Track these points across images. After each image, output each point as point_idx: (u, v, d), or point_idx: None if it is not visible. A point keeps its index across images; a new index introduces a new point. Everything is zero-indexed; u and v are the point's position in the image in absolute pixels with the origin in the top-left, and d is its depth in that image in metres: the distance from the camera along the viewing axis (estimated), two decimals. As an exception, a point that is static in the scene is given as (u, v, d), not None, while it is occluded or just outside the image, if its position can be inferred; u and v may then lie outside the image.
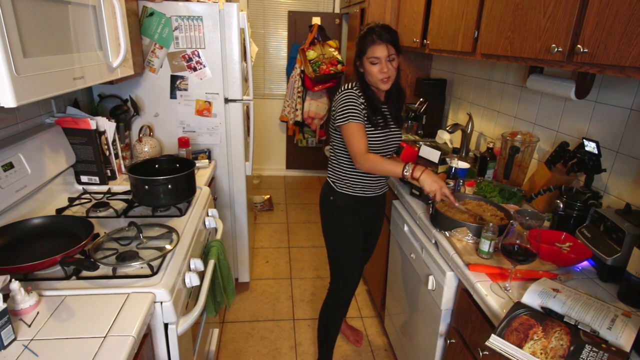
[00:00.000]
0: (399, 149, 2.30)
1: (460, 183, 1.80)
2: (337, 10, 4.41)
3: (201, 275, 1.41)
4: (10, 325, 0.91)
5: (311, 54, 4.04)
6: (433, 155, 1.69)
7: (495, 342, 0.97)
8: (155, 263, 1.21)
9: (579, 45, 1.14)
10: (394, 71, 1.60)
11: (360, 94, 1.61)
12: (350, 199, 1.75)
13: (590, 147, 1.44)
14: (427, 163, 1.71)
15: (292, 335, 2.34)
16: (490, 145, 1.99)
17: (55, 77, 1.09)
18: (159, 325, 1.15)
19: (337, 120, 1.61)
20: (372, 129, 1.63)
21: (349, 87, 1.63)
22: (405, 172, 1.50)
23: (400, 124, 1.76)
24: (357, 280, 2.08)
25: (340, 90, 1.64)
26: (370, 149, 1.63)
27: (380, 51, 1.54)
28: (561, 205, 1.43)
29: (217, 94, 2.23)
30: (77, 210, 1.57)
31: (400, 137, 1.77)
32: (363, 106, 1.59)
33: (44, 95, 1.04)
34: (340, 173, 1.74)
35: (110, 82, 1.70)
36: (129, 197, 1.68)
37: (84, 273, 1.17)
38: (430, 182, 1.48)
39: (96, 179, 1.81)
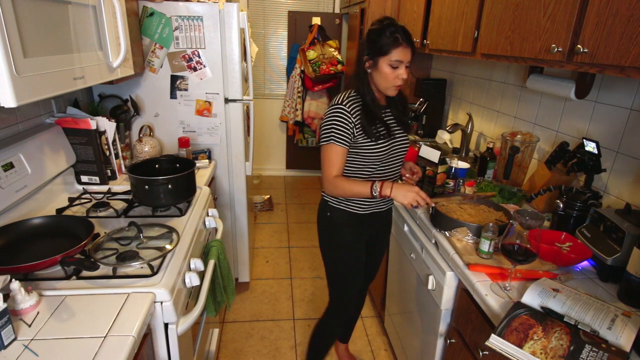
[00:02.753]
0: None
1: (460, 183, 1.80)
2: (337, 10, 4.41)
3: (201, 275, 1.41)
4: (10, 325, 0.91)
5: (311, 54, 4.04)
6: (433, 155, 1.68)
7: (495, 342, 0.97)
8: (155, 263, 1.21)
9: (579, 45, 1.14)
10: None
11: (353, 108, 1.45)
12: (348, 215, 1.60)
13: (590, 147, 1.44)
14: (427, 163, 1.71)
15: (292, 335, 2.34)
16: (490, 145, 1.99)
17: (56, 77, 1.09)
18: (159, 325, 1.15)
19: (321, 139, 1.49)
20: (371, 142, 1.47)
21: (341, 100, 1.47)
22: (374, 192, 1.42)
23: (407, 129, 1.61)
24: (359, 303, 1.97)
25: (332, 103, 1.49)
26: (374, 162, 1.50)
27: (405, 55, 1.40)
28: (561, 205, 1.43)
29: (217, 94, 2.23)
30: (77, 210, 1.57)
31: (407, 142, 1.61)
32: (353, 124, 1.44)
33: (44, 95, 1.04)
34: None
35: (111, 82, 1.70)
36: (129, 197, 1.68)
37: (84, 273, 1.17)
38: (403, 195, 1.40)
39: (96, 179, 1.81)
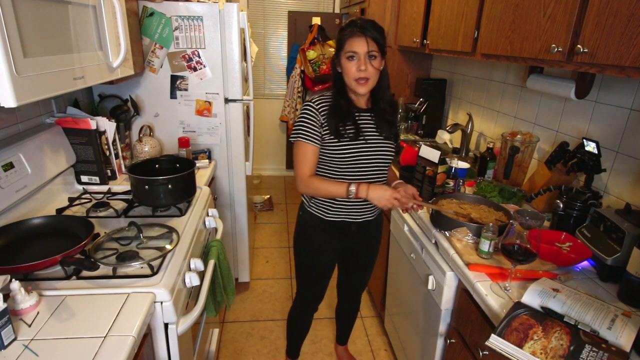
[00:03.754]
0: (399, 149, 2.30)
1: (460, 183, 1.80)
2: (337, 10, 4.41)
3: (201, 275, 1.41)
4: (10, 325, 0.91)
5: (311, 54, 4.04)
6: (433, 155, 1.68)
7: (495, 342, 0.97)
8: (155, 263, 1.21)
9: (578, 45, 1.14)
10: (374, 72, 1.39)
11: (321, 106, 1.43)
12: (317, 220, 1.57)
13: (590, 147, 1.44)
14: (427, 163, 1.71)
15: (292, 335, 2.34)
16: (490, 145, 1.99)
17: (56, 77, 1.09)
18: (159, 325, 1.15)
19: (291, 136, 1.49)
20: (335, 140, 1.43)
21: (312, 98, 1.46)
22: (350, 194, 1.40)
23: (390, 135, 1.52)
24: (348, 309, 2.00)
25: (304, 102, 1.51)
26: (341, 164, 1.45)
27: (358, 45, 1.35)
28: (561, 205, 1.43)
29: (217, 94, 2.23)
30: (77, 210, 1.57)
31: (391, 150, 1.53)
32: (320, 123, 1.42)
33: (44, 95, 1.04)
34: None
35: (111, 82, 1.70)
36: (129, 197, 1.68)
37: (84, 273, 1.17)
38: (378, 198, 1.37)
39: (96, 179, 1.81)
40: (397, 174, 2.06)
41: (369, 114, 1.51)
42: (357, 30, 1.35)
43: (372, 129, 1.49)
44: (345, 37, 1.38)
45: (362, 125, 1.47)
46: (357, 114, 1.48)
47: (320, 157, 1.48)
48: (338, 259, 1.75)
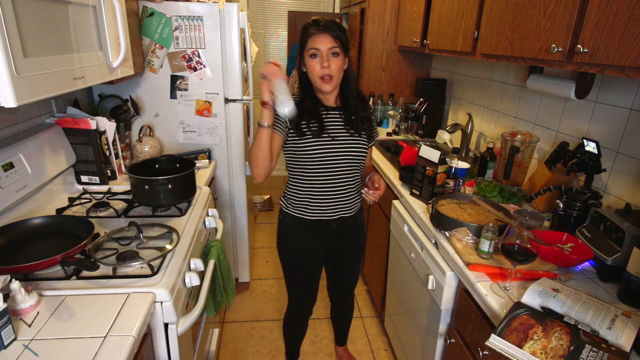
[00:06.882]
0: (399, 148, 2.30)
1: (460, 183, 1.80)
2: (337, 10, 4.41)
3: (201, 275, 1.41)
4: (10, 325, 0.91)
5: (311, 54, 4.04)
6: (433, 155, 1.68)
7: (495, 342, 0.97)
8: (155, 263, 1.21)
9: (578, 45, 1.14)
10: (338, 70, 1.41)
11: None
12: (296, 220, 1.59)
13: (590, 147, 1.44)
14: (427, 163, 1.71)
15: (292, 335, 2.34)
16: (490, 145, 1.99)
17: (56, 77, 1.09)
18: (159, 325, 1.15)
19: None
20: (298, 138, 1.46)
21: None
22: (260, 122, 1.34)
23: (362, 132, 1.53)
24: (339, 308, 2.00)
25: None
26: (308, 160, 1.48)
27: (320, 42, 1.37)
28: (561, 205, 1.43)
29: (217, 94, 2.23)
30: (77, 210, 1.57)
31: (361, 147, 1.53)
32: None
33: (44, 95, 1.04)
34: (287, 189, 1.61)
35: (111, 82, 1.70)
36: (129, 197, 1.68)
37: (84, 273, 1.17)
38: (263, 89, 1.28)
39: (96, 179, 1.81)
40: (398, 174, 2.06)
41: (337, 112, 1.53)
42: (319, 28, 1.38)
43: (339, 126, 1.51)
44: (307, 36, 1.40)
45: (328, 123, 1.50)
46: (324, 112, 1.51)
47: (292, 155, 1.51)
48: (323, 260, 1.75)
